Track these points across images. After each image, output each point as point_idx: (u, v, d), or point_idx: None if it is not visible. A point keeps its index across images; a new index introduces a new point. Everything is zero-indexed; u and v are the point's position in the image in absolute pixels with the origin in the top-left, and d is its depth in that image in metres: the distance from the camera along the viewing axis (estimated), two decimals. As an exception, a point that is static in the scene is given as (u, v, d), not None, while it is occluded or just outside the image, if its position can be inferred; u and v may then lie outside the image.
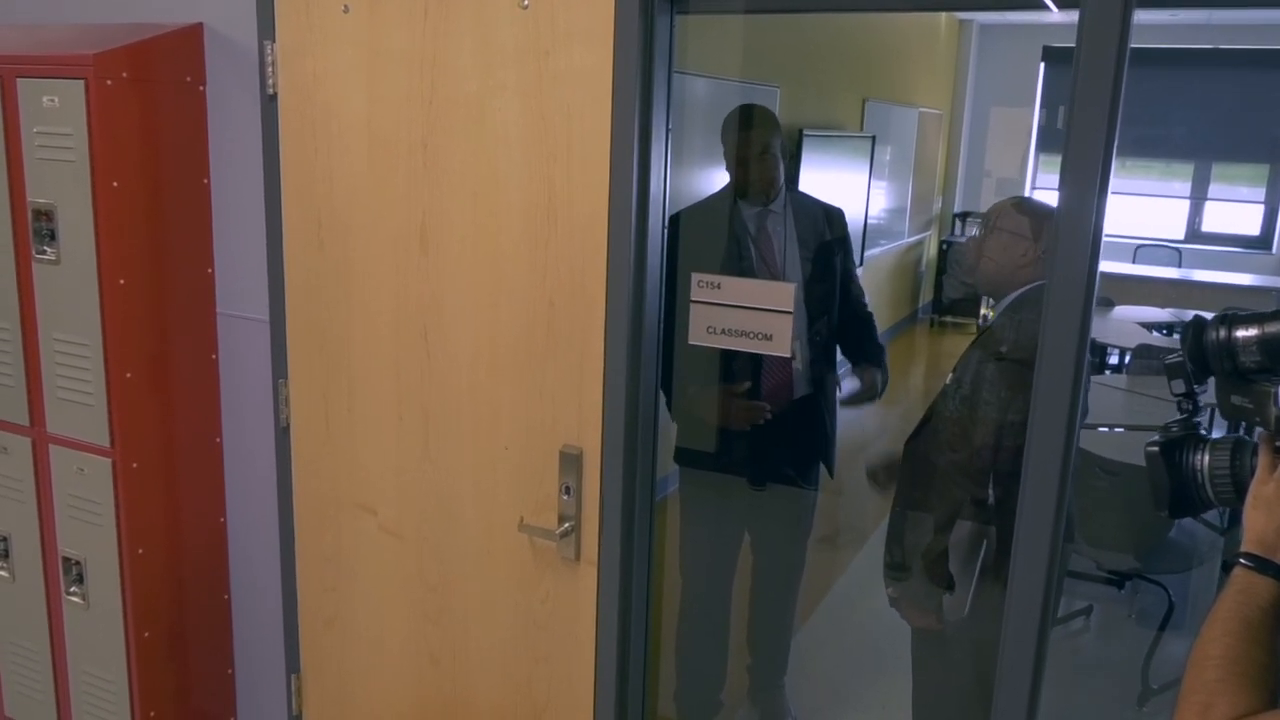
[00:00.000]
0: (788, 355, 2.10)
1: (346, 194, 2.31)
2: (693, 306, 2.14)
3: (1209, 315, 1.21)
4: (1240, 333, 1.16)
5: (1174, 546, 3.65)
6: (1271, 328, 1.14)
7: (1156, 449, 1.26)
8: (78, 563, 2.55)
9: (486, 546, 2.30)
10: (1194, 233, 8.37)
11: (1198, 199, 8.38)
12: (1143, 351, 4.81)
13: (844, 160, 6.15)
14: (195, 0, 2.42)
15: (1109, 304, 6.15)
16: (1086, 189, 1.65)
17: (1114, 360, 5.19)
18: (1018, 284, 2.32)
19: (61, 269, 2.38)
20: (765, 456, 2.92)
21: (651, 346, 2.12)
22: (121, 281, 2.34)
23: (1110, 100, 1.62)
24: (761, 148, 2.73)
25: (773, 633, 3.24)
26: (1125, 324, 5.63)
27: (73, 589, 2.58)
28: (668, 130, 2.08)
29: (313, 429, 2.47)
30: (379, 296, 2.32)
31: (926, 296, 7.93)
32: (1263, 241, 8.07)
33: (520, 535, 2.24)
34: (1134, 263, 7.82)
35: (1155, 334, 5.37)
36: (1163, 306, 6.20)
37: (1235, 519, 1.20)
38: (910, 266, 7.80)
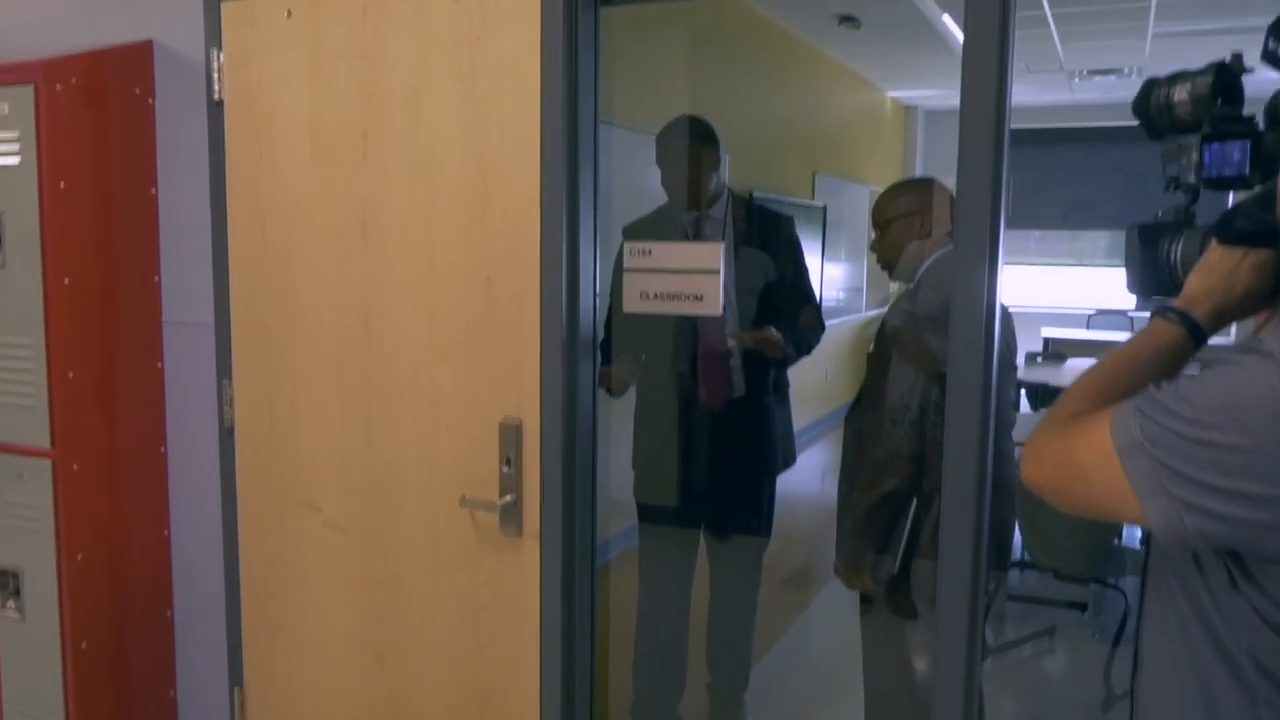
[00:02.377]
0: (718, 313, 2.16)
1: (291, 192, 2.37)
2: (626, 275, 2.20)
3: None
4: (1177, 89, 1.23)
5: (1124, 552, 3.68)
6: (1199, 84, 1.21)
7: (1135, 230, 1.31)
8: (15, 575, 2.50)
9: (429, 530, 2.30)
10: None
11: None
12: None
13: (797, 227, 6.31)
14: (145, 20, 2.53)
15: (1061, 358, 6.31)
16: (978, 248, 1.80)
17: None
18: (924, 256, 2.45)
19: (6, 272, 2.41)
20: (718, 457, 2.94)
21: (589, 313, 2.17)
22: (66, 281, 2.38)
23: (992, 169, 1.77)
24: (693, 155, 2.84)
25: (733, 650, 3.19)
26: (1076, 372, 5.76)
27: (9, 603, 2.52)
28: (596, 108, 2.17)
29: (257, 429, 2.48)
30: (322, 290, 2.36)
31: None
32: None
33: (463, 516, 2.24)
34: (1088, 328, 7.99)
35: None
36: (1114, 360, 6.38)
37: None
38: (869, 340, 7.93)
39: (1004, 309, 2.43)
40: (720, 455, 2.96)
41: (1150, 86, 1.28)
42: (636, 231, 2.72)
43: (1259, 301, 1.18)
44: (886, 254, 2.58)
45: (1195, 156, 1.20)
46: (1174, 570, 1.10)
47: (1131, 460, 1.02)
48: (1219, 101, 1.20)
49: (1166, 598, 1.11)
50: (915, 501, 2.41)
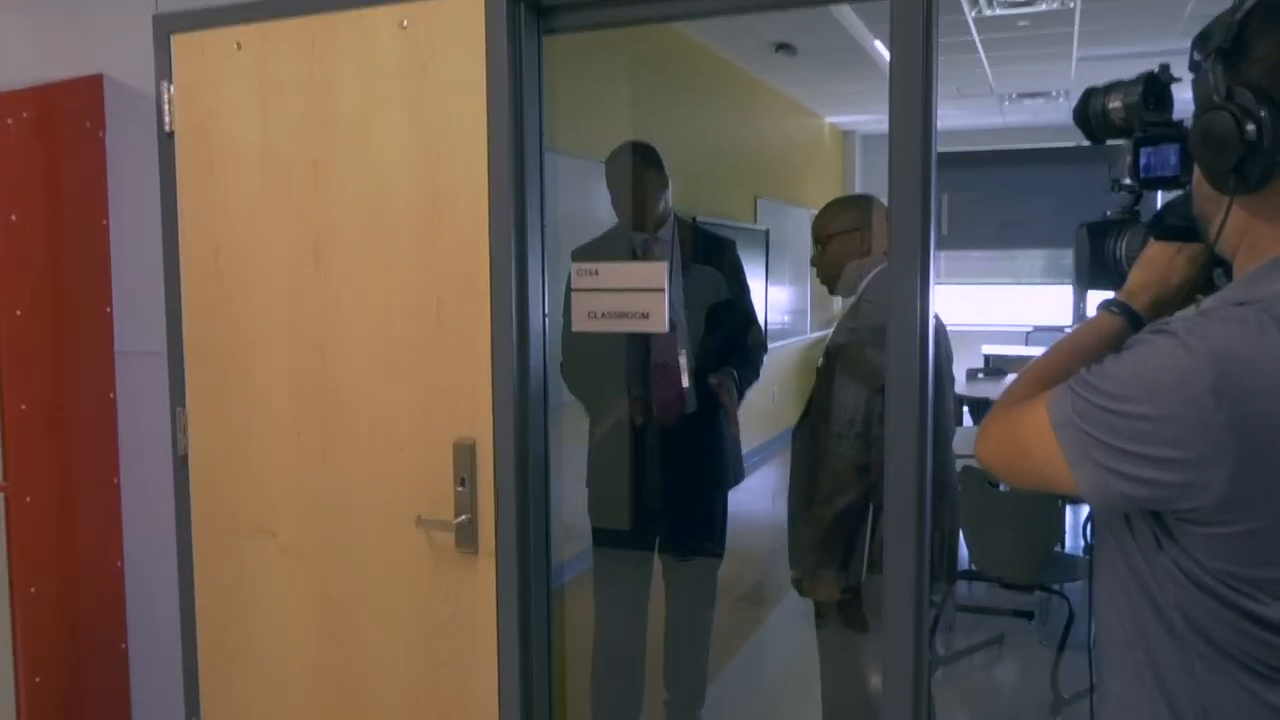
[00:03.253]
0: (665, 330, 2.22)
1: (243, 221, 2.41)
2: (574, 295, 2.26)
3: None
4: (1111, 99, 1.36)
5: (1064, 559, 3.79)
6: (1131, 93, 1.33)
7: (1085, 228, 1.42)
8: (-34, 610, 2.48)
9: (386, 552, 2.32)
10: (1081, 317, 8.85)
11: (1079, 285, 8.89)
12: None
13: (740, 251, 6.42)
14: (94, 53, 2.56)
15: (1001, 373, 6.49)
16: (910, 265, 1.90)
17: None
18: (865, 271, 2.54)
19: (-44, 305, 2.41)
20: (670, 473, 3.00)
21: (538, 332, 2.23)
22: (18, 313, 2.38)
23: (921, 188, 1.87)
24: (636, 178, 2.92)
25: (689, 667, 3.24)
26: None
27: (-40, 640, 2.50)
28: (541, 133, 2.24)
29: (211, 457, 2.49)
30: (275, 316, 2.39)
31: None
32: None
33: (419, 536, 2.27)
34: (1025, 344, 8.20)
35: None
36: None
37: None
38: (815, 361, 8.06)
39: (939, 323, 2.54)
40: (674, 472, 3.02)
41: (1089, 95, 1.40)
42: (586, 254, 2.79)
43: (1193, 292, 1.30)
44: (827, 270, 2.66)
45: (1129, 159, 1.31)
46: (1112, 536, 1.19)
47: (1064, 434, 1.12)
48: (1150, 108, 1.32)
49: (1109, 564, 1.21)
50: (872, 512, 2.48)
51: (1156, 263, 1.31)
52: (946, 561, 2.64)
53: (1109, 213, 1.45)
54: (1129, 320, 1.29)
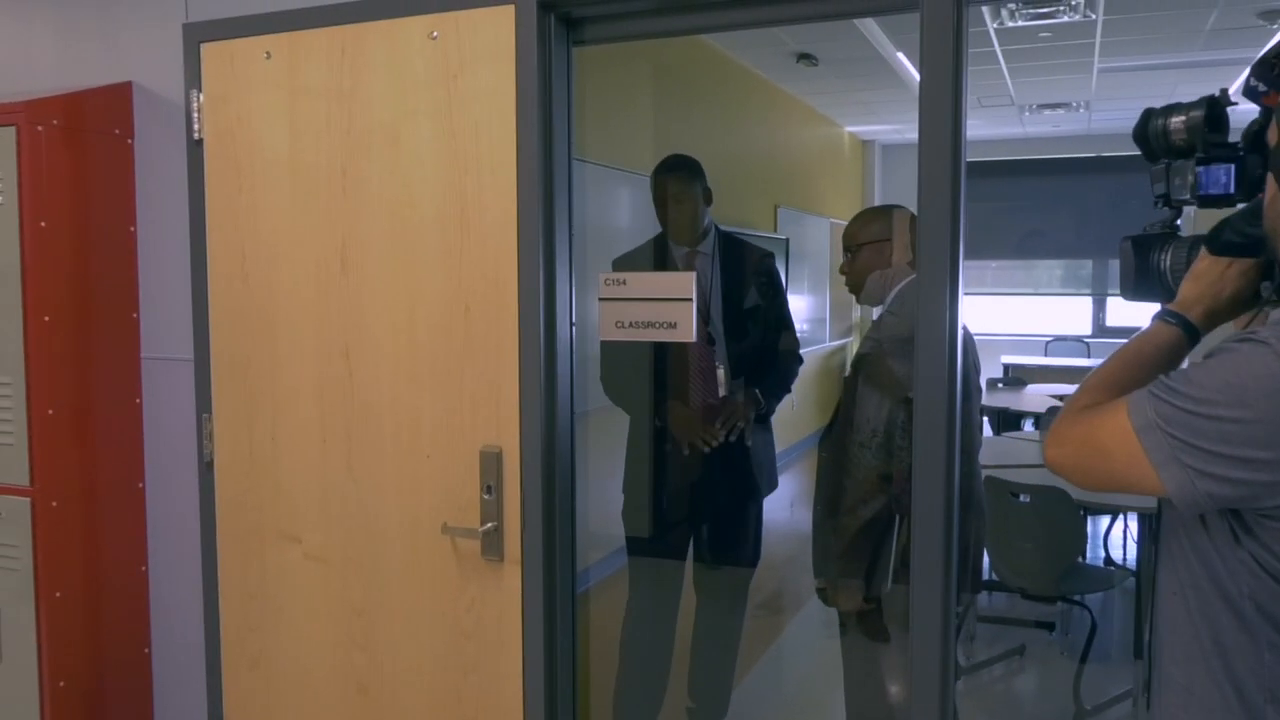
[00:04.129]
0: (692, 339, 2.22)
1: (270, 227, 2.42)
2: (601, 304, 2.26)
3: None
4: (1173, 120, 1.40)
5: (1086, 570, 3.77)
6: (1194, 113, 1.37)
7: (1129, 241, 1.48)
8: (-8, 614, 2.50)
9: (411, 559, 2.32)
10: (1100, 327, 8.80)
11: (1099, 295, 8.86)
12: (1053, 411, 5.09)
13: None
14: (124, 62, 2.58)
15: (1021, 383, 6.46)
16: (939, 276, 1.89)
17: (1029, 425, 5.63)
18: (895, 281, 2.54)
19: (-14, 310, 2.44)
20: (705, 480, 2.99)
21: (566, 341, 2.23)
22: (46, 319, 2.40)
23: (950, 200, 1.87)
24: (681, 192, 2.92)
25: (715, 676, 3.23)
26: (1036, 397, 5.96)
27: (-14, 643, 2.52)
28: (570, 142, 2.24)
29: (237, 463, 2.50)
30: (301, 322, 2.40)
31: (852, 401, 8.11)
32: (1163, 333, 8.53)
33: (444, 543, 2.27)
34: (1045, 355, 8.17)
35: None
36: (1072, 384, 6.57)
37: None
38: (834, 370, 8.04)
39: (966, 332, 2.53)
40: (710, 481, 3.02)
41: (1149, 115, 1.44)
42: (626, 264, 2.80)
43: (1243, 305, 1.36)
44: (855, 278, 2.66)
45: (1190, 177, 1.36)
46: (1184, 533, 1.26)
47: (1148, 437, 1.19)
48: (1210, 130, 1.37)
49: (1178, 559, 1.28)
50: (899, 522, 2.47)
51: (1208, 276, 1.35)
52: (970, 573, 2.63)
53: (1147, 227, 1.50)
54: (1185, 330, 1.35)
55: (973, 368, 2.48)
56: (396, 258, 2.29)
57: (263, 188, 2.42)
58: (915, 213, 2.49)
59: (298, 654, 2.47)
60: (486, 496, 2.22)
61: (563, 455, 2.24)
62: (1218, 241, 1.34)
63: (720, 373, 2.93)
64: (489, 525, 2.21)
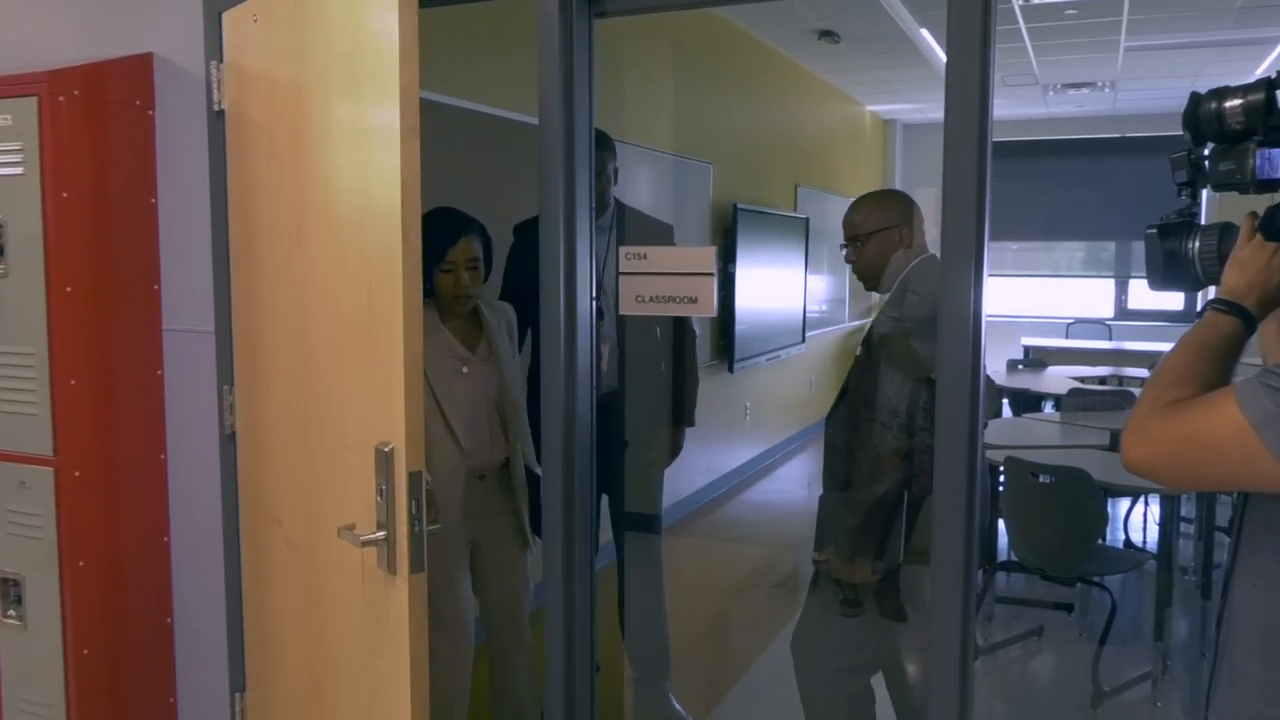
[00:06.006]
0: (713, 315, 2.21)
1: (257, 198, 2.32)
2: (621, 279, 2.25)
3: (1203, 91, 1.41)
4: (1229, 103, 1.37)
5: (1108, 552, 3.74)
6: (1253, 96, 1.34)
7: (1155, 230, 1.46)
8: (16, 582, 2.52)
9: (340, 558, 2.06)
10: (1122, 310, 8.73)
11: (1121, 277, 8.78)
12: (1075, 393, 5.06)
13: (779, 238, 6.40)
14: (145, 33, 2.57)
15: (1042, 365, 6.41)
16: (964, 258, 1.85)
17: (1049, 407, 5.58)
18: (902, 266, 2.55)
19: (8, 281, 2.44)
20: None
21: (586, 316, 2.22)
22: (69, 289, 2.41)
23: (976, 181, 1.82)
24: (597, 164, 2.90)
25: (649, 639, 3.29)
26: (1057, 378, 5.93)
27: (10, 611, 2.54)
28: (591, 115, 2.23)
29: (244, 438, 2.47)
30: (278, 297, 2.26)
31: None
32: (1186, 316, 8.45)
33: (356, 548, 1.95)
34: (1066, 338, 8.11)
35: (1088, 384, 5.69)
36: (1094, 366, 6.53)
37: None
38: (853, 351, 8.02)
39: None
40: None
41: (1198, 100, 1.41)
42: (528, 229, 2.68)
43: None
44: (867, 267, 2.60)
45: (1251, 161, 1.34)
46: (1266, 528, 1.27)
47: (1269, 432, 1.17)
48: (1270, 113, 1.35)
49: (1264, 552, 1.28)
50: (908, 500, 2.47)
51: (1254, 264, 1.34)
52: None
53: (1165, 216, 1.49)
54: (1242, 319, 1.34)
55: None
56: (331, 229, 2.06)
57: (253, 157, 2.33)
58: (911, 196, 2.51)
59: (281, 636, 2.35)
60: (379, 499, 1.91)
61: (583, 434, 2.23)
62: (1270, 227, 1.34)
63: (605, 348, 2.96)
64: (380, 533, 1.90)
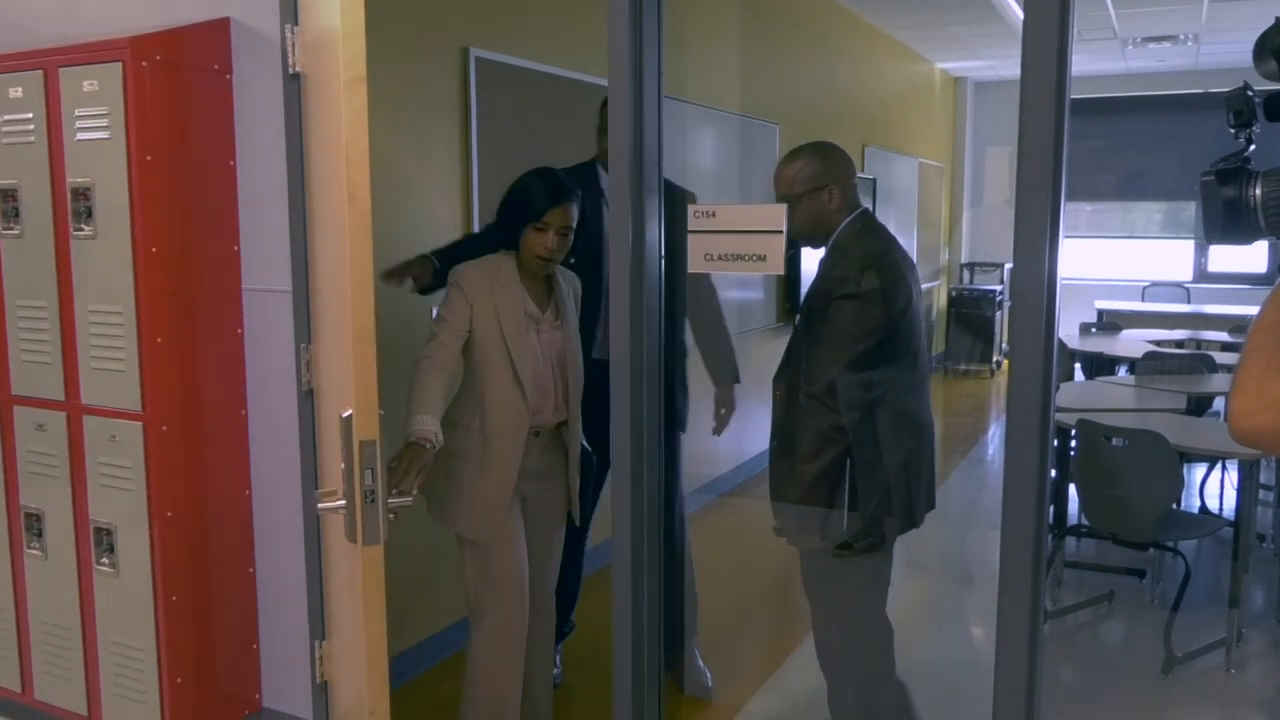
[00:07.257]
0: (780, 272, 2.21)
1: (318, 159, 2.36)
2: (690, 237, 2.26)
3: None
4: None
5: (1181, 517, 3.67)
6: None
7: (1211, 177, 1.34)
8: (108, 531, 2.63)
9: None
10: (1201, 273, 8.48)
11: (1201, 239, 8.52)
12: (1150, 356, 4.96)
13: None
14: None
15: (1116, 328, 6.27)
16: (1039, 220, 1.81)
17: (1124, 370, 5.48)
18: (834, 226, 2.52)
19: (97, 242, 2.53)
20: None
21: (654, 275, 2.23)
22: (154, 250, 2.49)
23: (1054, 140, 1.78)
24: None
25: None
26: (1132, 342, 5.81)
27: (103, 559, 2.66)
28: (660, 77, 2.23)
29: (321, 396, 2.53)
30: (330, 257, 2.30)
31: (939, 345, 8.01)
32: (1269, 279, 8.18)
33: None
34: (1142, 301, 7.91)
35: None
36: (1171, 329, 6.38)
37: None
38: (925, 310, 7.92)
39: (909, 259, 2.55)
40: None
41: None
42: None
43: None
44: (801, 229, 2.53)
45: None
46: None
47: None
48: None
49: None
50: (851, 471, 2.48)
51: None
52: (923, 496, 2.55)
53: (1214, 164, 1.36)
54: None
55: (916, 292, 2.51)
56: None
57: (316, 116, 2.36)
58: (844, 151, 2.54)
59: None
60: (343, 467, 1.96)
61: (652, 386, 2.25)
62: None
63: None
64: (340, 502, 1.94)
